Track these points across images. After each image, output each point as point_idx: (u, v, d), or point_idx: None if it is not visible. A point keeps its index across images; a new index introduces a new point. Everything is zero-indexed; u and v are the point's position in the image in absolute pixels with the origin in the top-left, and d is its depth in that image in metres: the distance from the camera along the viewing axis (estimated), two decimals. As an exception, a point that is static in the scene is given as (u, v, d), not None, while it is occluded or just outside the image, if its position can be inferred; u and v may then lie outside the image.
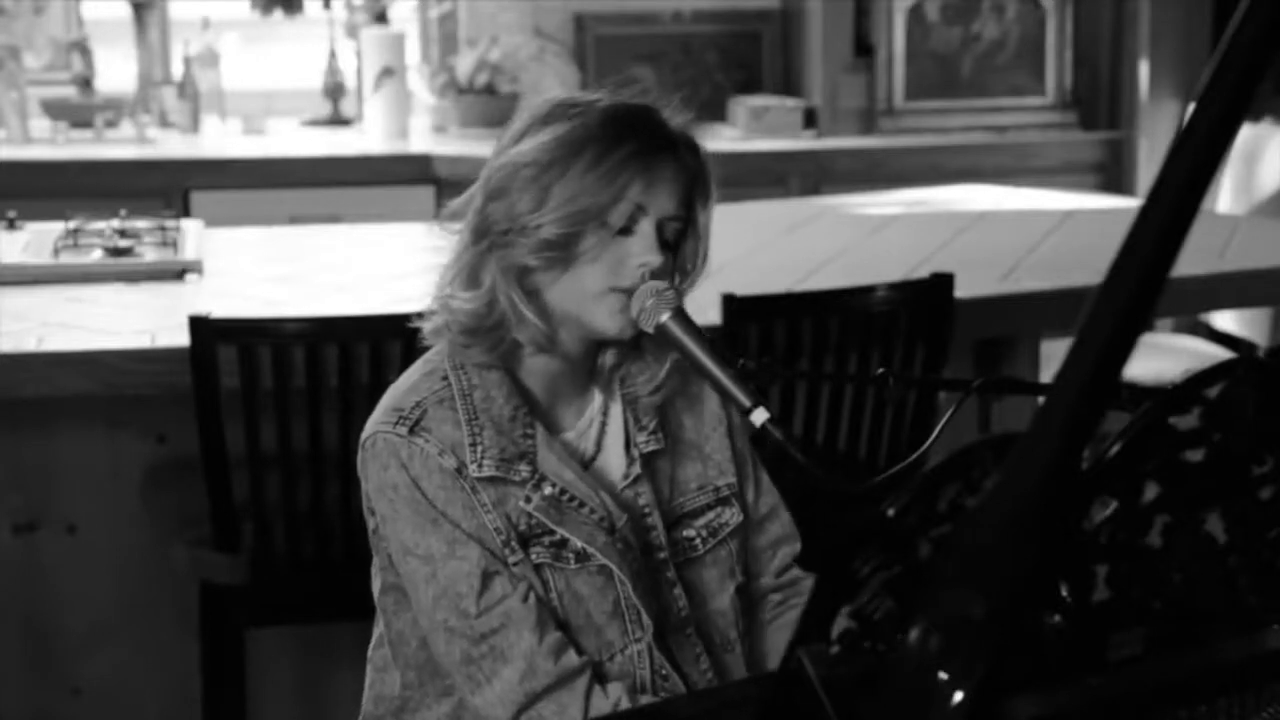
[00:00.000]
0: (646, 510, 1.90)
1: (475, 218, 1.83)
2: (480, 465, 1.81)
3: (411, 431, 1.81)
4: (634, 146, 1.79)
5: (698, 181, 1.85)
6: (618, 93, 1.87)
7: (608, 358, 1.91)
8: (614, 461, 1.91)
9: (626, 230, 1.80)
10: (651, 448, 1.91)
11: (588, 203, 1.77)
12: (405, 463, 1.81)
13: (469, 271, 1.84)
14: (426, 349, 1.91)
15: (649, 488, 1.90)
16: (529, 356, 1.86)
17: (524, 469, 1.82)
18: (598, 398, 1.91)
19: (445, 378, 1.85)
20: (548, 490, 1.83)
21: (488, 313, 1.82)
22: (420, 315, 1.89)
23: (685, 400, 1.95)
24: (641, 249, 1.80)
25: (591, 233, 1.78)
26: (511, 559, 1.82)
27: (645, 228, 1.80)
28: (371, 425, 1.85)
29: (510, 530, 1.82)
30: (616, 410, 1.91)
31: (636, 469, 1.90)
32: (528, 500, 1.82)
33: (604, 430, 1.91)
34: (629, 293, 1.80)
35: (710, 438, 1.96)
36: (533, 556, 1.82)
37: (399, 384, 1.88)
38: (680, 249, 1.85)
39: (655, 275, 1.80)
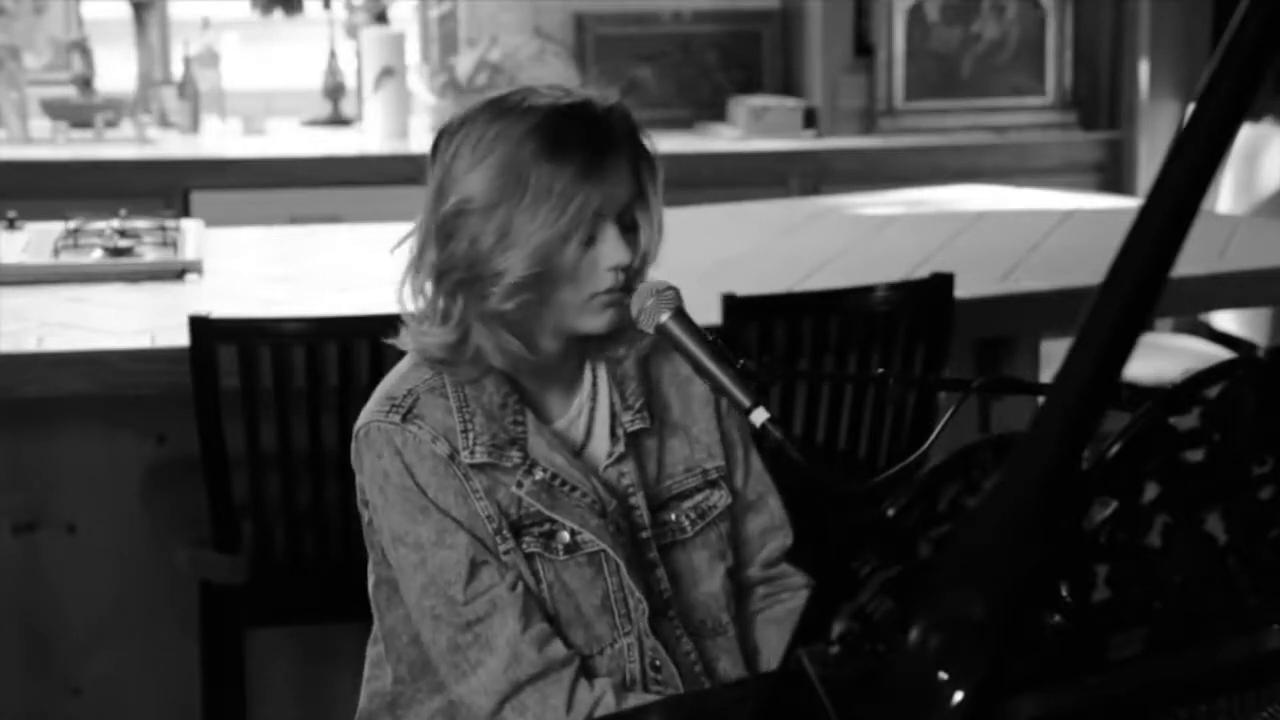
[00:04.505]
0: (630, 490, 1.90)
1: (437, 258, 1.80)
2: (472, 452, 1.81)
3: (404, 419, 1.82)
4: (578, 161, 1.75)
5: (640, 156, 1.83)
6: (534, 94, 1.80)
7: (591, 340, 1.90)
8: (602, 445, 1.91)
9: (591, 240, 1.78)
10: (637, 426, 1.91)
11: (548, 234, 1.75)
12: (399, 449, 1.81)
13: (440, 312, 1.82)
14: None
15: (633, 466, 1.90)
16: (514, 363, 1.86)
17: (515, 454, 1.83)
18: (587, 382, 1.91)
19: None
20: (539, 475, 1.83)
21: (460, 345, 1.82)
22: (394, 326, 1.88)
23: (674, 382, 1.95)
24: (610, 251, 1.79)
25: (559, 258, 1.77)
26: (502, 547, 1.82)
27: (608, 231, 1.79)
28: (365, 416, 1.85)
29: (501, 518, 1.82)
30: (604, 394, 1.91)
31: (621, 447, 1.90)
32: (519, 486, 1.83)
33: (593, 416, 1.91)
34: (608, 293, 1.80)
35: (699, 419, 1.96)
36: (524, 546, 1.83)
37: (390, 375, 1.89)
38: (638, 226, 1.82)
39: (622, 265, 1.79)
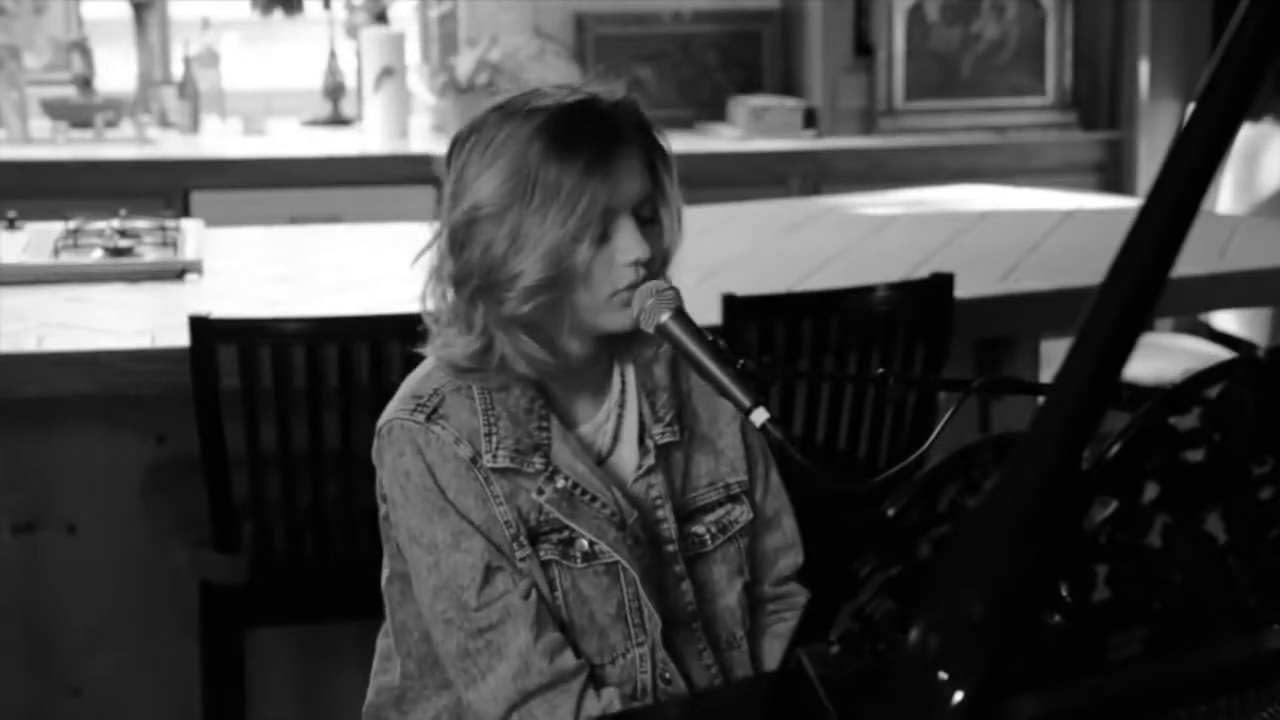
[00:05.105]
0: (658, 502, 1.89)
1: (453, 266, 1.80)
2: (495, 456, 1.80)
3: (429, 418, 1.81)
4: (585, 158, 1.74)
5: (653, 149, 1.82)
6: (540, 95, 1.79)
7: (620, 342, 1.89)
8: (628, 455, 1.90)
9: (606, 237, 1.78)
10: (667, 439, 1.90)
11: (559, 235, 1.74)
12: (421, 449, 1.80)
13: (462, 320, 1.81)
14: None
15: (662, 479, 1.89)
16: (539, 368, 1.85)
17: (538, 461, 1.82)
18: (615, 387, 1.90)
19: None
20: (560, 484, 1.82)
21: (485, 354, 1.81)
22: (419, 335, 1.87)
23: (701, 394, 1.94)
24: (627, 246, 1.77)
25: (573, 258, 1.75)
26: (519, 554, 1.81)
27: (624, 224, 1.78)
28: (389, 412, 1.84)
29: (520, 524, 1.81)
30: (633, 401, 1.90)
31: (650, 460, 1.89)
32: (540, 493, 1.81)
33: (620, 423, 1.90)
34: (630, 289, 1.79)
35: (724, 433, 1.95)
36: (540, 553, 1.82)
37: (416, 373, 1.88)
38: (658, 220, 1.82)
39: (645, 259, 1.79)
